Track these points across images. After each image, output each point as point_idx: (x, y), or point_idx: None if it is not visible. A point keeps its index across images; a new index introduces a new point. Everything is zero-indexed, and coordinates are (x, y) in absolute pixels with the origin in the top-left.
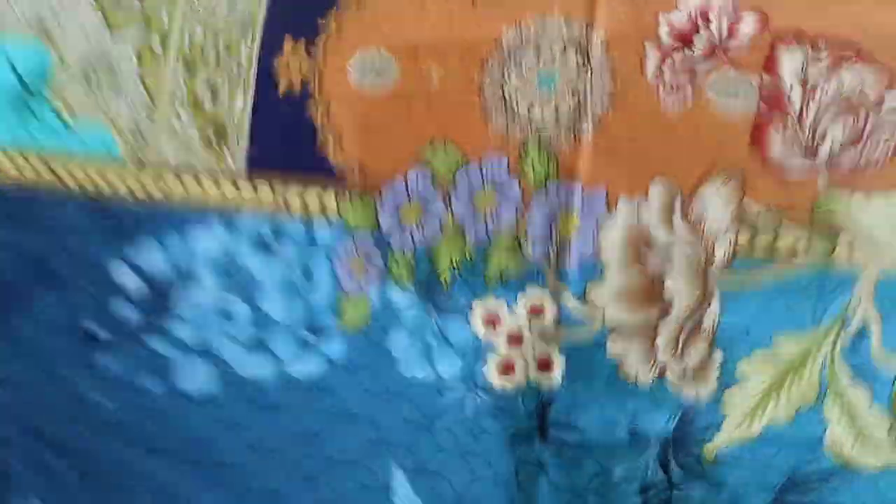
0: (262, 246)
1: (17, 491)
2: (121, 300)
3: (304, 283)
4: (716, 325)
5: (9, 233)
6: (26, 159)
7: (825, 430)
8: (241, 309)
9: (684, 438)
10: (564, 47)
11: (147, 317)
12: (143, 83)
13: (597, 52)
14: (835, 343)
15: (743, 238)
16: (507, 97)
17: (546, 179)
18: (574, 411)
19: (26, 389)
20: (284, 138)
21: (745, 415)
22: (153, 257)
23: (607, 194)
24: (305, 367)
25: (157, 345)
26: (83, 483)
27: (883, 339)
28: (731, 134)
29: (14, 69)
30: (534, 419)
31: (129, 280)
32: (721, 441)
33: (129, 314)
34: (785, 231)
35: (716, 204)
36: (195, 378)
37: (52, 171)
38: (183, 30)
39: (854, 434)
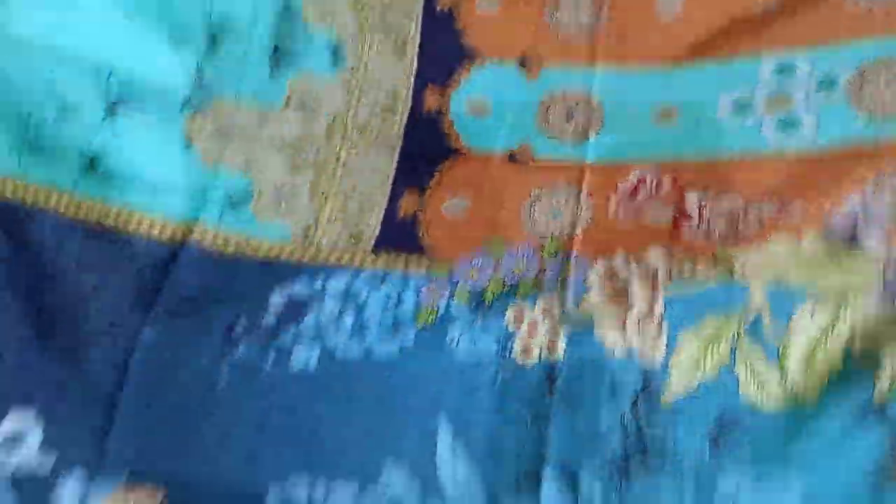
0: (374, 283)
1: None
2: (268, 313)
3: (396, 303)
4: (662, 313)
5: (212, 283)
6: (227, 241)
7: (738, 382)
8: (349, 318)
9: (648, 392)
10: (566, 199)
11: (283, 321)
12: (313, 204)
13: (584, 198)
14: (740, 323)
15: (674, 269)
16: (534, 218)
17: (556, 254)
18: (573, 375)
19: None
20: (399, 238)
21: (686, 373)
22: (299, 289)
23: (590, 259)
24: (385, 350)
25: (285, 338)
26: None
27: (771, 321)
28: (659, 231)
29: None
30: (545, 383)
31: (277, 300)
32: (672, 393)
33: (270, 320)
34: (699, 265)
35: (655, 258)
36: (302, 359)
37: (241, 250)
38: (343, 175)
39: (757, 385)
